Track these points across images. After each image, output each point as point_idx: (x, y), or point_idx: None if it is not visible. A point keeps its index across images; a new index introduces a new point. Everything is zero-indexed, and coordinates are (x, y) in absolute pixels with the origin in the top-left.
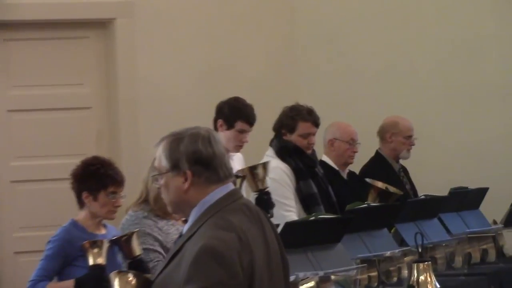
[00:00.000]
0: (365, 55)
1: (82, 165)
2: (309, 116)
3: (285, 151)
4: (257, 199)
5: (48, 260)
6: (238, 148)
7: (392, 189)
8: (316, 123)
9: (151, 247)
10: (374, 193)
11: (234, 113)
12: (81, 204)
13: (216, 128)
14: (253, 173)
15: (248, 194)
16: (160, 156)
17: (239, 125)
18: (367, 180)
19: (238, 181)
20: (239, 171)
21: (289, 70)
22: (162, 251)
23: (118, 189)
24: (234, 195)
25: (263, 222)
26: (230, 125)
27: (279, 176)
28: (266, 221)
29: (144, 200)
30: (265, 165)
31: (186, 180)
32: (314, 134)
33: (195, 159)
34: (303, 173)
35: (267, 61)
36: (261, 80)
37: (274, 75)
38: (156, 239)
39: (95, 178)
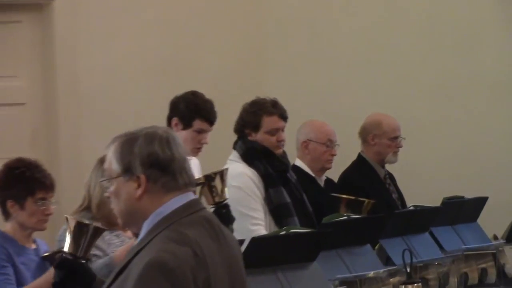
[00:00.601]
0: (343, 41)
1: (4, 170)
2: (273, 108)
3: (252, 154)
4: (214, 214)
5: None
6: (196, 151)
7: (362, 198)
8: (283, 115)
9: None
10: (343, 205)
11: (192, 110)
12: (6, 215)
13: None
14: (209, 183)
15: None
16: (110, 159)
17: (197, 124)
18: (333, 194)
19: (198, 189)
20: (196, 179)
21: (254, 60)
22: (101, 254)
23: (47, 194)
24: (194, 206)
25: (227, 239)
26: (186, 124)
27: (245, 184)
28: (231, 238)
29: (86, 207)
30: (223, 174)
31: (139, 186)
32: (282, 129)
33: (151, 162)
34: (273, 179)
35: (230, 50)
36: (222, 71)
37: (237, 66)
38: (96, 246)
39: (21, 183)
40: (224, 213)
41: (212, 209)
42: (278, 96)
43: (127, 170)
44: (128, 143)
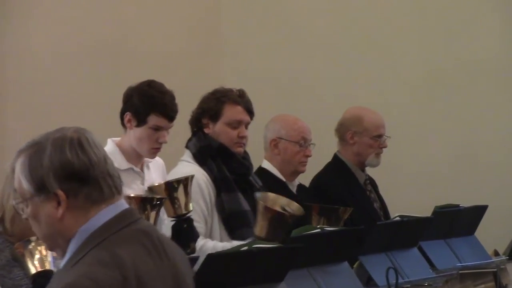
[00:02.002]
0: (314, 23)
1: None
2: (240, 98)
3: (206, 152)
4: (174, 228)
5: None
6: (153, 151)
7: (336, 206)
8: (249, 109)
9: None
10: (315, 214)
11: (146, 103)
12: None
13: (123, 124)
14: (171, 191)
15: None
16: (19, 177)
17: (153, 119)
18: (305, 204)
19: (153, 215)
20: (154, 187)
21: (211, 45)
22: None
23: None
24: (127, 217)
25: (169, 255)
26: (141, 120)
27: None
28: (175, 252)
29: (0, 220)
30: (187, 181)
31: (59, 204)
32: (246, 125)
33: (66, 174)
34: (227, 183)
35: (182, 32)
36: (174, 58)
37: (191, 52)
38: None
39: None
40: (185, 228)
41: (173, 222)
42: (239, 87)
43: (40, 188)
44: (36, 156)
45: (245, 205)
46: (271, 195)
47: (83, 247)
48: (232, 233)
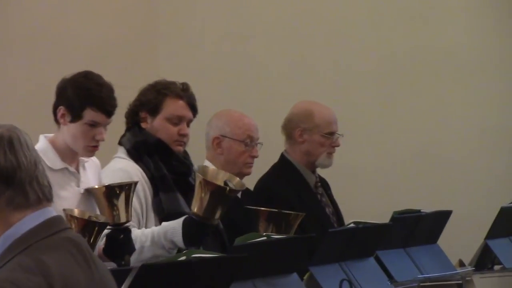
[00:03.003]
0: (260, 14)
1: None
2: (183, 92)
3: (141, 148)
4: (109, 237)
5: None
6: (90, 149)
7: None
8: (192, 105)
9: None
10: (263, 220)
11: (81, 96)
12: None
13: (56, 120)
14: (110, 196)
15: None
16: None
17: (89, 114)
18: (249, 207)
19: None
20: (93, 190)
21: (148, 35)
22: None
23: None
24: (56, 225)
25: (98, 266)
26: (76, 115)
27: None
28: (102, 265)
29: None
30: (130, 188)
31: None
32: (188, 122)
33: None
34: (166, 182)
35: (117, 22)
36: (107, 50)
37: (126, 43)
38: None
39: None
40: (121, 239)
41: (108, 232)
42: (175, 79)
43: None
44: None
45: (185, 207)
46: (211, 169)
47: (7, 253)
48: None
